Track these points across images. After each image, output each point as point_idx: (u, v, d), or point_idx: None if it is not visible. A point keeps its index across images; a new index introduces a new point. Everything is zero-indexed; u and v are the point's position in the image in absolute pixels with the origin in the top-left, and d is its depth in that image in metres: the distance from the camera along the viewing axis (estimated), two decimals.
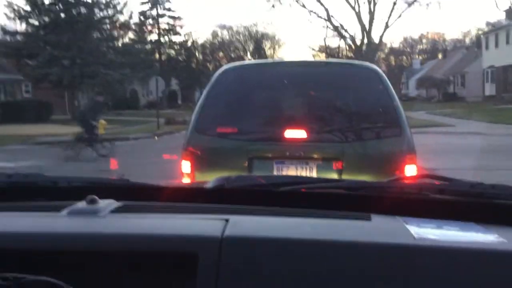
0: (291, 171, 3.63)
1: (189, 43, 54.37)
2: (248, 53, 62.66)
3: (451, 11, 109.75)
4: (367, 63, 4.15)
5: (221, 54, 62.07)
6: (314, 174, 3.61)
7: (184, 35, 53.36)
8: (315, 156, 3.63)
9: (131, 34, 46.65)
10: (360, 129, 3.70)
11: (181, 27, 52.08)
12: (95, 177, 1.42)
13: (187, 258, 0.88)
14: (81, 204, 1.09)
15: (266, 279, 0.86)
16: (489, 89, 40.74)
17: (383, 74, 3.81)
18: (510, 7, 43.51)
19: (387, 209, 1.11)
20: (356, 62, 4.63)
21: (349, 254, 0.89)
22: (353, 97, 3.83)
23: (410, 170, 3.51)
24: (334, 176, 3.56)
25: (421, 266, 0.86)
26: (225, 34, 61.82)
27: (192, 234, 0.94)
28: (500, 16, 44.76)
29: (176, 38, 52.22)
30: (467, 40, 70.39)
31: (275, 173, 3.63)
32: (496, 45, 39.33)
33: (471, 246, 0.90)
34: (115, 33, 32.46)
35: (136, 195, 1.26)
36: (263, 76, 4.02)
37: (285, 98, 3.92)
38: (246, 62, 6.02)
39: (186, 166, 3.71)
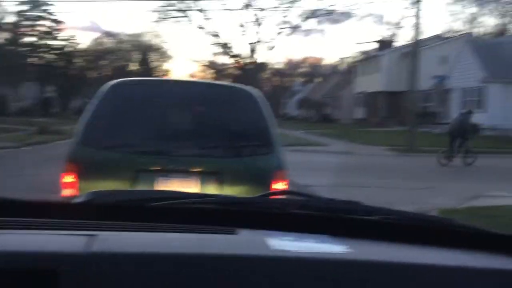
0: (175, 183, 3.80)
1: (70, 49, 51.41)
2: (133, 63, 61.03)
3: (330, 38, 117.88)
4: (246, 86, 4.42)
5: (104, 62, 59.56)
6: (197, 187, 3.83)
7: (65, 40, 50.22)
8: (197, 170, 3.87)
9: (3, 35, 42.75)
10: (237, 146, 4.02)
11: (62, 31, 49.17)
12: None
13: (48, 276, 0.85)
14: None
15: None
16: (360, 113, 44.40)
17: (259, 97, 4.17)
18: (381, 38, 48.16)
19: (253, 223, 1.17)
20: (236, 85, 4.99)
21: (214, 267, 0.92)
22: (232, 116, 4.12)
23: (281, 185, 3.84)
24: (214, 189, 3.79)
25: (278, 276, 0.93)
26: (110, 42, 59.48)
27: (53, 250, 0.91)
28: (372, 46, 49.22)
29: (55, 43, 49.11)
30: (343, 67, 76.08)
31: (159, 185, 3.78)
32: (367, 72, 43.10)
33: (323, 256, 1.00)
34: None
35: None
36: (150, 92, 4.19)
37: (170, 115, 4.13)
38: (134, 78, 6.26)
39: (69, 178, 3.73)
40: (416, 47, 19.61)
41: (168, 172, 3.84)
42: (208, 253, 0.96)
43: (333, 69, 75.76)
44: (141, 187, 3.77)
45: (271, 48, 41.86)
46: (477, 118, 26.18)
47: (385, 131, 30.41)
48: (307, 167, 12.99)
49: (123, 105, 4.06)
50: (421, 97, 31.82)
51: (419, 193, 9.70)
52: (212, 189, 3.79)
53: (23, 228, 1.07)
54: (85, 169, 3.75)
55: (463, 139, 14.72)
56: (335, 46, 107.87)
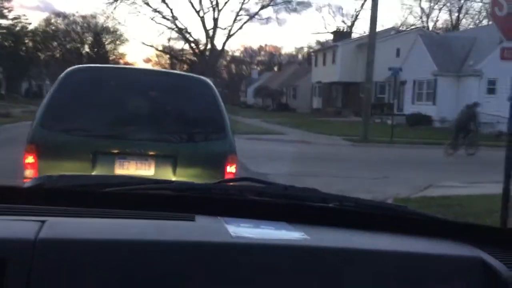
0: (132, 166, 4.01)
1: (17, 28, 48.99)
2: (86, 46, 59.01)
3: (288, 28, 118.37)
4: (201, 77, 4.63)
5: (55, 43, 57.22)
6: (152, 169, 4.04)
7: (12, 19, 47.75)
8: (154, 153, 4.05)
9: None
10: (192, 132, 4.24)
11: (10, 10, 46.74)
12: None
13: None
14: None
15: (84, 284, 0.83)
16: (316, 103, 44.94)
17: (214, 87, 4.37)
18: (337, 29, 48.69)
19: (211, 210, 1.15)
20: (193, 75, 5.05)
21: (173, 253, 0.91)
22: (188, 104, 4.31)
23: (231, 167, 4.12)
24: (170, 172, 4.02)
25: (237, 262, 0.93)
26: (60, 23, 57.16)
27: (1, 237, 0.87)
28: (328, 36, 49.77)
29: (3, 22, 46.65)
30: (300, 56, 76.71)
31: (116, 168, 3.97)
32: (324, 63, 43.57)
33: (280, 242, 1.00)
34: None
35: None
36: (108, 79, 4.30)
37: (129, 101, 4.25)
38: (92, 65, 6.55)
39: (29, 159, 3.88)
40: (372, 39, 19.94)
41: (125, 155, 3.99)
42: (167, 239, 0.94)
43: (291, 59, 76.27)
44: (99, 169, 3.93)
45: (229, 35, 41.40)
46: (427, 110, 27.22)
47: (341, 121, 30.93)
48: (264, 156, 13.01)
49: (81, 90, 4.16)
50: (376, 89, 32.54)
51: (373, 183, 9.89)
52: (167, 172, 4.00)
53: None
54: (44, 151, 3.88)
55: (468, 131, 15.08)
56: (292, 36, 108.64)
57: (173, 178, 3.97)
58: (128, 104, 4.24)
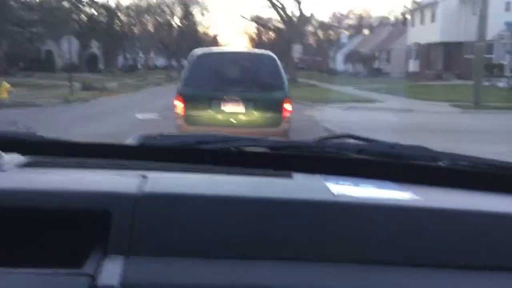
0: (230, 106, 7.24)
1: (113, 4, 50.77)
2: (176, 18, 59.92)
3: None
4: (269, 53, 7.93)
5: (147, 17, 58.65)
6: (242, 107, 7.23)
7: None
8: (242, 98, 7.24)
9: None
10: (264, 86, 7.42)
11: None
12: (0, 130, 1.27)
13: (100, 216, 0.84)
14: None
15: (184, 237, 0.84)
16: (413, 66, 41.91)
17: (276, 59, 7.56)
18: None
19: (308, 167, 1.12)
20: (264, 52, 8.27)
21: (271, 210, 0.88)
22: (261, 70, 7.56)
23: (286, 105, 7.24)
24: (251, 108, 7.23)
25: (339, 222, 0.87)
26: None
27: (105, 190, 0.89)
28: None
29: None
30: (392, 18, 72.33)
31: (222, 106, 7.20)
32: (421, 22, 40.28)
33: (387, 202, 0.93)
34: None
35: (46, 150, 1.18)
36: (219, 59, 7.86)
37: (229, 71, 7.64)
38: (210, 50, 8.73)
39: (178, 103, 7.18)
40: None
41: (226, 100, 7.25)
42: (264, 196, 0.92)
43: (382, 21, 72.16)
44: (213, 108, 7.24)
45: None
46: None
47: (442, 85, 28.33)
48: (361, 127, 11.77)
49: (204, 66, 7.46)
50: (484, 48, 29.30)
51: (498, 158, 8.39)
52: (249, 108, 7.23)
53: (76, 167, 1.06)
54: (186, 98, 7.20)
55: None
56: None
57: (254, 113, 7.26)
58: (228, 73, 7.67)
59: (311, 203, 0.90)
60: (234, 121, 7.23)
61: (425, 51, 39.52)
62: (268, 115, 7.27)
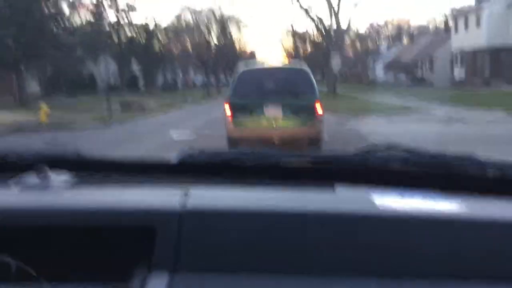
0: (271, 110, 8.56)
1: (151, 26, 51.56)
2: (214, 36, 60.34)
3: None
4: (302, 67, 9.29)
5: (185, 36, 59.34)
6: (280, 111, 8.55)
7: (146, 18, 50.26)
8: (281, 103, 8.60)
9: (85, 12, 43.41)
10: (298, 93, 8.77)
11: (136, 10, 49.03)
12: (47, 150, 1.30)
13: (144, 233, 0.86)
14: (32, 178, 1.04)
15: (228, 251, 0.84)
16: (458, 73, 40.25)
17: (309, 71, 9.01)
18: None
19: (351, 180, 1.11)
20: (298, 66, 9.58)
21: (314, 224, 0.87)
22: (295, 81, 8.94)
23: (317, 105, 8.58)
24: (289, 111, 8.56)
25: (385, 234, 0.85)
26: (189, 17, 59.10)
27: (149, 207, 0.91)
28: (465, 2, 44.12)
29: (136, 20, 49.37)
30: (431, 26, 70.38)
31: (265, 111, 8.57)
32: (466, 27, 38.73)
33: (433, 214, 0.90)
34: (66, 10, 29.62)
35: (91, 169, 1.21)
36: (259, 73, 9.33)
37: (269, 83, 8.93)
38: (254, 66, 9.99)
39: (228, 110, 8.65)
40: None
41: (268, 105, 8.56)
42: (307, 210, 0.91)
43: (421, 30, 70.33)
44: (256, 112, 8.57)
45: (355, 5, 38.73)
46: None
47: (492, 92, 26.84)
48: (413, 140, 10.90)
49: (247, 79, 8.93)
50: None
51: None
52: (287, 111, 8.55)
53: (120, 185, 1.08)
54: (233, 105, 8.65)
55: None
56: (420, 6, 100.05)
57: (291, 115, 8.56)
58: (267, 84, 8.90)
59: (355, 216, 0.88)
60: (274, 124, 8.58)
61: (471, 58, 37.87)
62: (303, 117, 8.56)
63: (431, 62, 47.30)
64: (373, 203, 0.94)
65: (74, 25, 33.10)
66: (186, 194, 0.95)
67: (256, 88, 8.73)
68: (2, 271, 0.79)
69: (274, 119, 8.56)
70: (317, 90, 8.75)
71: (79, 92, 37.24)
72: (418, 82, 45.12)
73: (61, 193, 0.99)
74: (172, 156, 1.26)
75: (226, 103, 8.69)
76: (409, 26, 78.16)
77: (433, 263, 0.82)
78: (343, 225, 0.87)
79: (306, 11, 39.75)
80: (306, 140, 8.67)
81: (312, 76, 8.94)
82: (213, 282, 0.80)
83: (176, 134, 13.23)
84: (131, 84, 47.85)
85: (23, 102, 25.65)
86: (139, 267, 0.84)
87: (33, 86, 34.40)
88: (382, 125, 14.63)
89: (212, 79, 57.01)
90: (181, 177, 1.14)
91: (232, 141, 8.65)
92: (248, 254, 0.84)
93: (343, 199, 1.01)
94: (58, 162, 1.18)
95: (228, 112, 8.61)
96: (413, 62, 50.94)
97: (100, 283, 0.81)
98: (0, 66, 24.82)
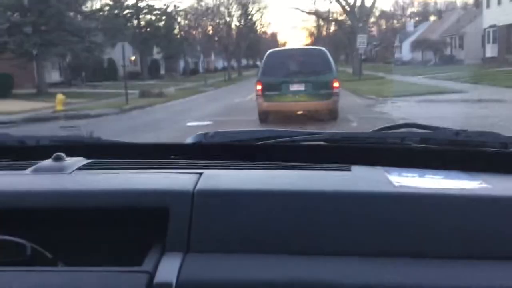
0: (295, 86, 10.82)
1: (170, 9, 50.78)
2: (235, 18, 59.24)
3: None
4: (320, 48, 12.39)
5: (205, 20, 58.42)
6: (303, 87, 10.84)
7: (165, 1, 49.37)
8: (303, 80, 10.84)
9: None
10: (317, 71, 10.85)
11: None
12: (63, 135, 1.32)
13: (158, 213, 0.87)
14: (47, 162, 1.06)
15: (241, 232, 0.84)
16: (491, 50, 38.36)
17: (326, 51, 11.47)
18: None
19: (368, 159, 1.08)
20: (315, 47, 13.29)
21: (329, 204, 0.86)
22: (315, 61, 11.06)
23: (335, 83, 10.80)
24: (311, 87, 10.80)
25: (402, 214, 0.84)
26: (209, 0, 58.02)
27: (162, 188, 0.92)
28: None
29: (155, 3, 48.68)
30: (459, 2, 67.74)
31: (290, 87, 10.84)
32: (499, 2, 36.74)
33: (452, 192, 0.88)
34: None
35: (107, 153, 1.22)
36: (284, 54, 12.05)
37: (292, 63, 11.19)
38: (279, 48, 12.36)
39: (259, 88, 10.89)
40: None
41: (292, 83, 10.78)
42: (321, 190, 0.90)
43: (449, 6, 67.71)
44: (283, 89, 10.79)
45: None
46: None
47: None
48: (451, 125, 9.94)
49: (274, 60, 11.05)
50: None
51: None
52: (309, 87, 10.77)
53: (135, 168, 1.08)
54: (264, 83, 10.83)
55: None
56: None
57: (312, 90, 10.71)
58: (291, 64, 11.14)
59: (372, 195, 0.87)
60: (298, 97, 10.81)
61: (504, 34, 35.95)
62: (322, 91, 10.65)
63: (461, 39, 45.32)
64: (391, 182, 0.92)
65: (94, 8, 32.51)
66: (200, 175, 0.96)
67: (281, 68, 10.92)
68: (18, 254, 0.80)
69: (298, 94, 10.82)
70: (334, 68, 11.08)
71: (100, 79, 36.96)
72: (448, 60, 43.31)
73: (76, 176, 1.01)
74: (189, 138, 1.26)
75: (258, 83, 10.90)
76: (436, 3, 75.43)
77: (455, 243, 0.80)
78: (360, 205, 0.85)
79: None
80: (326, 111, 10.81)
81: (329, 56, 11.22)
82: (226, 262, 0.80)
83: (192, 121, 12.57)
84: (152, 69, 47.37)
85: (42, 90, 25.39)
86: (153, 249, 0.84)
87: (54, 76, 34.21)
88: (415, 109, 13.63)
89: (234, 63, 56.07)
90: (195, 158, 1.13)
91: (263, 114, 10.97)
92: (261, 234, 0.83)
93: (359, 178, 0.97)
94: (73, 147, 1.23)
95: (259, 89, 10.84)
96: (442, 39, 48.95)
97: (114, 264, 0.80)
98: (19, 55, 24.50)
